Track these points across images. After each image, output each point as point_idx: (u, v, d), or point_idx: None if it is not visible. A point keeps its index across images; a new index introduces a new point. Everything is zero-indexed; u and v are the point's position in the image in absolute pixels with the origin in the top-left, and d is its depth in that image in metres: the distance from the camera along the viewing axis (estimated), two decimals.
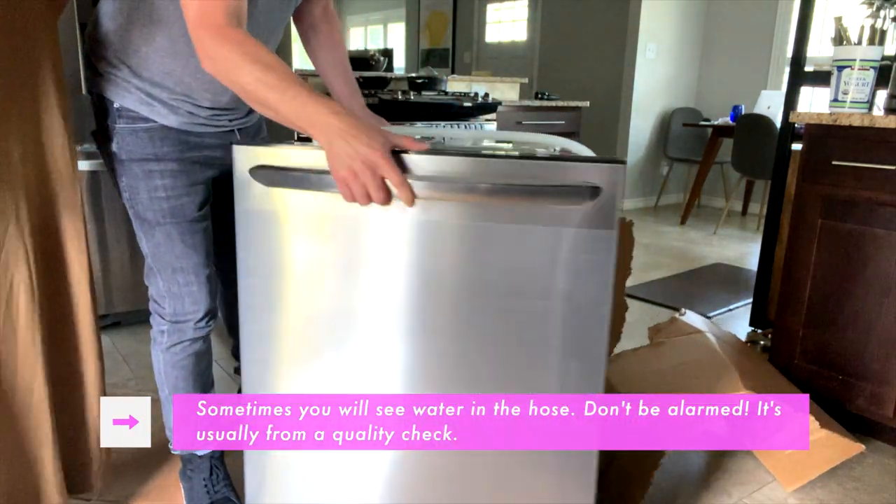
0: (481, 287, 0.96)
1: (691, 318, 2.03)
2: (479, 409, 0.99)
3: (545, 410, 0.98)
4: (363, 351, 1.03)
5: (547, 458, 1.02)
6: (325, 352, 1.03)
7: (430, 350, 1.00)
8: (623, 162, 0.88)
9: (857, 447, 1.59)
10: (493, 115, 3.25)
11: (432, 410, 1.00)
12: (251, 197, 0.98)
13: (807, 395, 1.82)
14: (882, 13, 1.89)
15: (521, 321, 0.96)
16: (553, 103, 3.73)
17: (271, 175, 0.96)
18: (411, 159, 0.92)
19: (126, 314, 2.57)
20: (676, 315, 2.04)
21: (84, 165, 2.31)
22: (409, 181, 0.90)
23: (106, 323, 2.53)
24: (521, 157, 0.95)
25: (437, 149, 0.97)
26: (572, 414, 0.99)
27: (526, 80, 4.24)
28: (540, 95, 3.90)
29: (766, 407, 1.73)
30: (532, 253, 0.93)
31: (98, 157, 2.39)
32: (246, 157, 0.97)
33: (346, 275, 0.99)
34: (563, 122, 3.79)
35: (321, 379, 1.05)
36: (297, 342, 1.04)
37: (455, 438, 1.01)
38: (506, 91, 3.96)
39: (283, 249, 1.00)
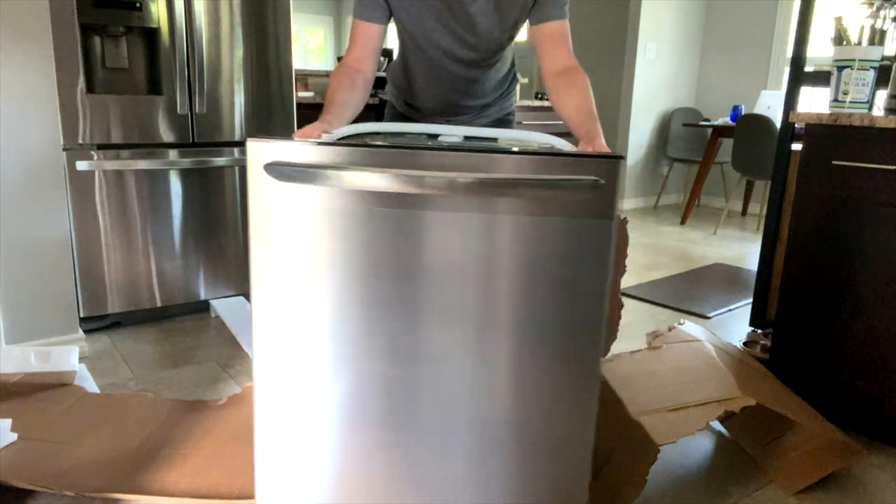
0: (488, 275, 1.01)
1: (690, 327, 2.04)
2: (486, 385, 1.06)
3: (543, 389, 1.06)
4: (372, 336, 1.06)
5: (543, 438, 1.08)
6: (335, 337, 1.08)
7: (436, 336, 1.05)
8: (622, 157, 0.97)
9: (859, 451, 1.58)
10: None
11: (422, 381, 1.07)
12: (264, 191, 1.03)
13: (806, 402, 1.82)
14: (882, 13, 1.89)
15: (526, 306, 1.03)
16: None
17: (285, 170, 1.00)
18: (425, 155, 0.98)
19: (126, 314, 2.57)
20: (676, 325, 2.04)
21: (83, 165, 2.31)
22: (423, 174, 0.96)
23: (106, 323, 2.53)
24: (530, 153, 0.99)
25: (451, 145, 1.02)
26: (570, 392, 1.06)
27: (526, 81, 4.24)
28: (540, 95, 3.90)
29: (764, 413, 1.74)
30: (537, 242, 1.00)
31: (99, 157, 2.40)
32: (259, 151, 1.02)
33: (356, 266, 1.04)
34: (562, 123, 3.79)
35: (329, 362, 1.09)
36: (307, 328, 1.08)
37: (457, 413, 1.07)
38: None
39: (295, 241, 1.04)
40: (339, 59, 3.55)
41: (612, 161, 0.97)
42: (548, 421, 1.07)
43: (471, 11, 1.44)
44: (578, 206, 0.98)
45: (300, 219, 1.03)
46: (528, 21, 1.48)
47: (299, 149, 1.00)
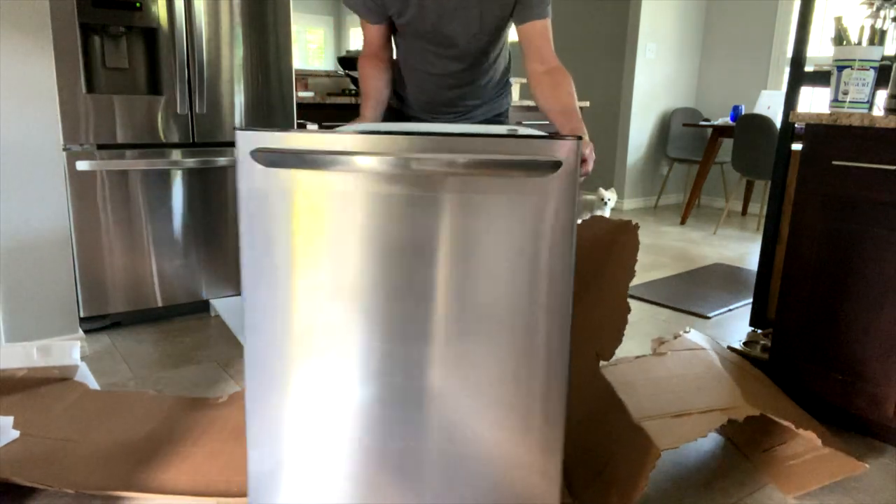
0: (458, 252, 1.06)
1: (695, 336, 2.04)
2: (455, 358, 1.10)
3: (511, 366, 1.09)
4: (353, 312, 1.12)
5: (514, 410, 1.12)
6: (320, 313, 1.13)
7: (411, 309, 1.10)
8: (580, 138, 1.00)
9: (860, 466, 1.56)
10: None
11: (413, 360, 1.12)
12: (251, 177, 1.09)
13: (808, 413, 1.82)
14: (882, 13, 1.89)
15: (492, 283, 1.07)
16: None
17: (269, 156, 1.07)
18: (397, 139, 1.03)
19: (126, 314, 2.57)
20: (681, 333, 2.05)
21: (83, 165, 2.31)
22: (395, 157, 1.03)
23: (106, 323, 2.53)
24: (492, 135, 1.04)
25: (419, 130, 1.08)
26: (539, 372, 1.09)
27: (526, 81, 4.24)
28: None
29: (766, 421, 1.73)
30: (503, 221, 1.04)
31: (99, 157, 2.39)
32: (246, 140, 1.08)
33: (337, 245, 1.09)
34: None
35: (316, 339, 1.14)
36: (294, 306, 1.14)
37: (430, 384, 1.12)
38: None
39: (281, 224, 1.10)
40: (340, 59, 3.72)
41: (572, 141, 1.00)
42: (518, 397, 1.10)
43: (449, 7, 1.46)
44: (541, 187, 1.02)
45: (284, 201, 1.09)
46: (512, 22, 1.51)
47: (282, 137, 1.08)
